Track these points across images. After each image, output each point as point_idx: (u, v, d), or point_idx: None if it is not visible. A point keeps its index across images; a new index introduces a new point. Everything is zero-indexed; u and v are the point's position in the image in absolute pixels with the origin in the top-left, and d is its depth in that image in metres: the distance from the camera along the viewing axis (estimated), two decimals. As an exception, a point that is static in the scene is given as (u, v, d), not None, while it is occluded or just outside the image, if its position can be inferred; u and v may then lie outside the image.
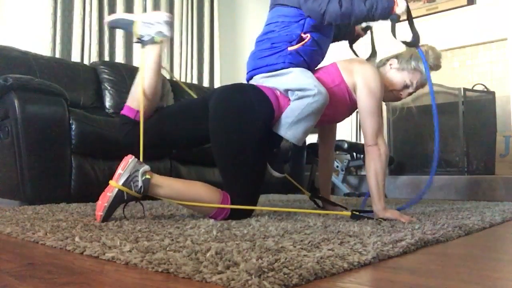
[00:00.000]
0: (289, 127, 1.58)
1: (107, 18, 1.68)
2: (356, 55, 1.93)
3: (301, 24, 1.64)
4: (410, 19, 1.69)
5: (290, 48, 1.63)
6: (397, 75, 1.75)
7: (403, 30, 1.74)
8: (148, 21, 1.62)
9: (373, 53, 1.89)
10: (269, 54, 1.65)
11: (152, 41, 1.63)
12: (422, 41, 1.74)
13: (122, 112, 1.63)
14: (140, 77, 1.60)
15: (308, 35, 1.64)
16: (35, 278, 0.72)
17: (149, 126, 1.59)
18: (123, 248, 0.92)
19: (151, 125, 1.60)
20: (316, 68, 1.77)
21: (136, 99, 1.59)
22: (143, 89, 1.58)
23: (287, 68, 1.62)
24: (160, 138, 1.64)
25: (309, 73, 1.64)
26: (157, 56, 1.64)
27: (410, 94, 1.79)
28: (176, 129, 1.63)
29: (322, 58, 1.78)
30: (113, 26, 1.71)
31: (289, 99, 1.62)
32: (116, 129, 1.63)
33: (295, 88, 1.59)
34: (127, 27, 1.65)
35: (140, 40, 1.64)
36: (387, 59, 1.79)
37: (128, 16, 1.66)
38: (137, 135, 1.55)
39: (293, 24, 1.65)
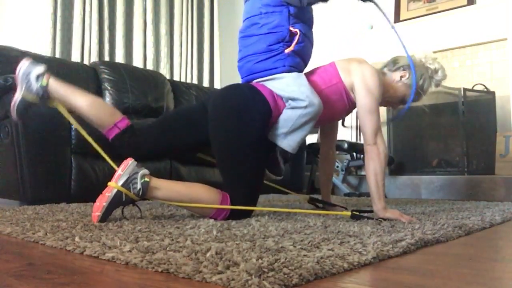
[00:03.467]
0: (284, 137, 1.59)
1: (13, 113, 1.61)
2: None
3: (284, 14, 1.63)
4: None
5: (287, 51, 1.62)
6: (402, 89, 1.77)
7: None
8: (25, 84, 1.56)
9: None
10: (266, 58, 1.63)
11: (45, 88, 1.56)
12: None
13: (111, 138, 1.62)
14: (74, 122, 1.63)
15: (297, 30, 1.63)
16: (35, 278, 0.72)
17: (151, 135, 1.62)
18: (123, 248, 0.92)
19: (153, 134, 1.63)
20: (314, 68, 1.78)
21: (99, 123, 1.61)
22: (89, 114, 1.60)
23: (284, 72, 1.62)
24: (163, 146, 1.67)
25: (303, 79, 1.62)
26: (61, 88, 1.59)
27: (398, 105, 1.86)
28: (178, 136, 1.66)
29: (312, 48, 1.77)
30: (20, 113, 1.61)
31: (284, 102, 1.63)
32: (119, 151, 1.63)
33: (286, 96, 1.60)
34: (26, 103, 1.58)
35: (42, 98, 1.57)
36: (401, 67, 1.77)
37: (17, 98, 1.59)
38: (140, 144, 1.60)
39: (276, 14, 1.63)
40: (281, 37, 1.62)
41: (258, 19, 1.66)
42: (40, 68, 1.58)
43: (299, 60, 1.66)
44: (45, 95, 1.58)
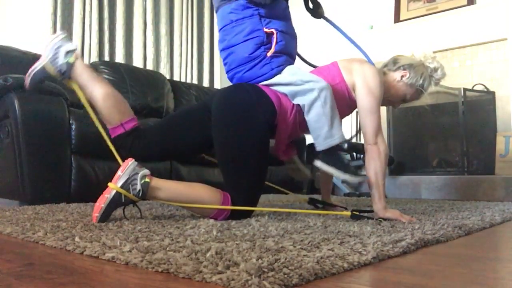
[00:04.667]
0: (331, 133, 1.55)
1: (26, 80, 1.58)
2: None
3: (255, 18, 1.61)
4: None
5: (269, 54, 1.60)
6: (403, 89, 1.77)
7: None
8: (52, 54, 1.53)
9: (316, 5, 1.86)
10: (251, 67, 1.62)
11: (69, 65, 1.53)
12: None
13: (113, 135, 1.61)
14: (86, 102, 1.59)
15: (272, 30, 1.61)
16: (35, 278, 0.72)
17: (153, 138, 1.61)
18: (123, 248, 0.92)
19: (155, 137, 1.63)
20: (317, 68, 1.78)
21: (108, 118, 1.59)
22: (101, 106, 1.58)
23: (275, 74, 1.61)
24: (167, 148, 1.66)
25: (299, 70, 1.62)
26: (85, 71, 1.57)
27: (399, 104, 1.88)
28: (180, 137, 1.65)
29: (295, 40, 1.76)
30: (34, 83, 1.58)
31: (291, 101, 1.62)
32: (121, 151, 1.62)
33: (292, 92, 1.58)
34: (43, 74, 1.55)
35: (63, 75, 1.54)
36: (401, 66, 1.77)
37: (36, 65, 1.56)
38: (141, 147, 1.58)
39: (247, 20, 1.61)
40: (259, 41, 1.60)
41: (230, 28, 1.64)
42: (72, 45, 1.55)
43: (284, 57, 1.65)
44: (67, 73, 1.54)
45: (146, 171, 1.43)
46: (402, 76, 1.76)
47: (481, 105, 3.77)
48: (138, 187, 1.40)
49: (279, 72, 1.62)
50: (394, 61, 1.81)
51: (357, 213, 1.56)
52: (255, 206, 1.55)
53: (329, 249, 0.92)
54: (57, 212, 1.71)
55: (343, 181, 4.03)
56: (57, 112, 2.30)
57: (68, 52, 1.53)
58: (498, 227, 1.56)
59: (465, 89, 3.71)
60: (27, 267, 0.81)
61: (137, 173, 1.41)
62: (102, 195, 1.39)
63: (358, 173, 1.60)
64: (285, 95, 1.62)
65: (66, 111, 2.34)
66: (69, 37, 1.58)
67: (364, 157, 1.73)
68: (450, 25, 3.91)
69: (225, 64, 1.72)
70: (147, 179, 1.42)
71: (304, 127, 1.67)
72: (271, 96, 1.59)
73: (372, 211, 1.61)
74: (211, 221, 1.41)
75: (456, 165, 3.77)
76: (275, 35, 1.61)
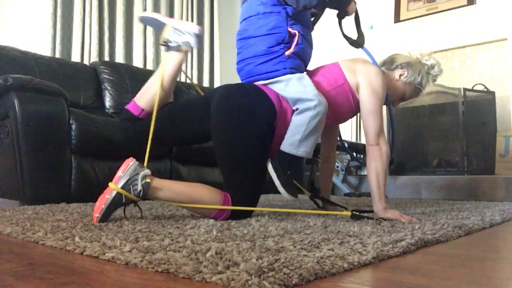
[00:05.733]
0: (299, 145, 1.54)
1: (142, 14, 1.73)
2: (346, 37, 1.85)
3: (282, 15, 1.62)
4: (357, 19, 1.79)
5: (287, 53, 1.60)
6: (402, 87, 1.78)
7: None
8: (179, 29, 1.64)
9: (360, 35, 1.83)
10: (266, 60, 1.61)
11: (177, 49, 1.65)
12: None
13: (127, 106, 1.64)
14: (159, 80, 1.61)
15: (295, 31, 1.62)
16: (35, 278, 0.72)
17: (149, 124, 1.60)
18: (123, 248, 0.92)
19: (155, 129, 1.61)
20: (318, 68, 1.77)
21: (146, 99, 1.61)
22: (160, 87, 1.60)
23: (286, 74, 1.60)
24: (160, 136, 1.63)
25: (307, 80, 1.61)
26: (178, 64, 1.66)
27: (398, 103, 1.88)
28: (177, 127, 1.63)
29: (312, 49, 1.76)
30: (144, 23, 1.76)
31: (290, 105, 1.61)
32: (118, 123, 1.64)
33: (293, 98, 1.57)
34: (157, 27, 1.68)
35: (166, 45, 1.66)
36: (399, 65, 1.77)
37: (161, 18, 1.68)
38: (136, 131, 1.58)
39: (274, 15, 1.62)
40: (280, 38, 1.61)
41: (256, 19, 1.64)
42: (194, 43, 1.65)
43: (299, 61, 1.65)
44: (168, 50, 1.66)
45: (147, 171, 1.43)
46: (400, 75, 1.76)
47: (481, 105, 3.77)
48: (139, 187, 1.40)
49: (288, 73, 1.60)
50: (392, 60, 1.81)
51: (357, 213, 1.56)
52: (255, 206, 1.55)
53: (329, 249, 0.92)
54: (57, 212, 1.71)
55: (342, 182, 4.04)
56: (57, 112, 2.30)
57: (186, 42, 1.65)
58: (498, 227, 1.56)
59: (465, 89, 3.71)
60: (27, 267, 0.81)
61: (138, 174, 1.41)
62: (102, 195, 1.39)
63: (295, 195, 1.60)
64: (285, 99, 1.61)
65: (66, 111, 2.34)
66: (201, 37, 1.71)
67: (364, 157, 1.73)
68: (450, 25, 3.91)
69: (238, 54, 1.72)
70: (148, 180, 1.42)
71: None
72: (272, 97, 1.58)
73: (372, 211, 1.61)
74: (211, 221, 1.41)
75: (456, 165, 3.77)
76: (297, 37, 1.61)
